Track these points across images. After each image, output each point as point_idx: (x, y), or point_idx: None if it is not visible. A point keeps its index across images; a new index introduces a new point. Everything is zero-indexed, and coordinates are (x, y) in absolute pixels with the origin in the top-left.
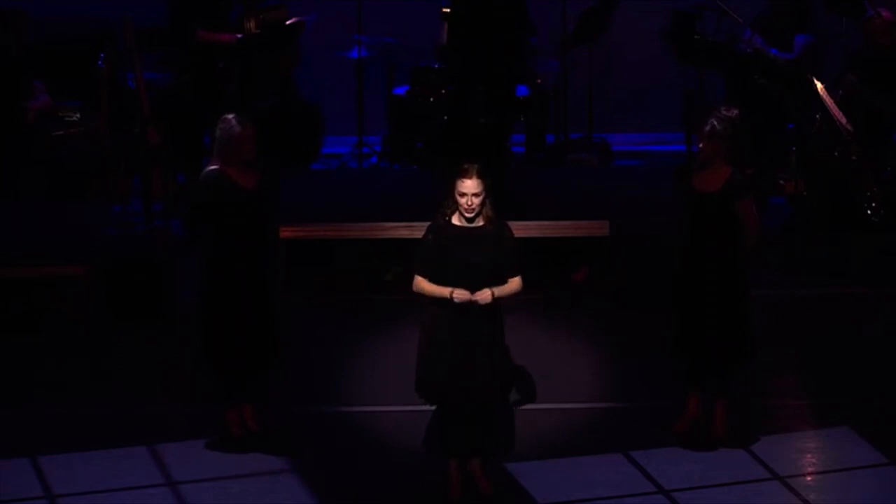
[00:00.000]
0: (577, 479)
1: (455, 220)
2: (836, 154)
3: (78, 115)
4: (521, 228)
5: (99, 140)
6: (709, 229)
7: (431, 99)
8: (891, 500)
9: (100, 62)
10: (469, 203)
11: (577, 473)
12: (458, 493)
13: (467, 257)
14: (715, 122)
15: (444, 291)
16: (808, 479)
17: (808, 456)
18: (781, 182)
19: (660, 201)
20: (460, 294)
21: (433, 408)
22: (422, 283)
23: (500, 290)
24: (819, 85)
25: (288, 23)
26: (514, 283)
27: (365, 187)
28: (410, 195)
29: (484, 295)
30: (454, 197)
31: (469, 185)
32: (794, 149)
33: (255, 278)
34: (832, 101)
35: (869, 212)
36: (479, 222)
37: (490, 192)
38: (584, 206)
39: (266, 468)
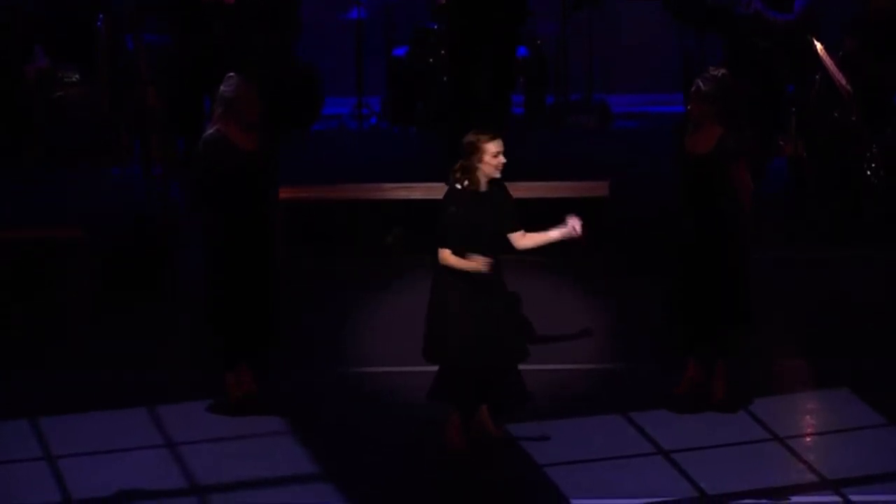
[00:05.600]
0: (577, 440)
1: (462, 187)
2: (835, 115)
3: (77, 76)
4: (520, 190)
5: (98, 102)
6: (702, 190)
7: (431, 60)
8: (890, 461)
9: (99, 23)
10: (502, 161)
11: (577, 434)
12: (462, 444)
13: (480, 221)
14: (700, 83)
15: (471, 265)
16: (808, 440)
17: (808, 417)
18: (781, 144)
19: (660, 162)
20: (486, 263)
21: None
22: (450, 259)
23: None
24: (819, 45)
25: None
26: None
27: (365, 149)
28: (410, 156)
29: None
30: (481, 160)
31: (500, 143)
32: (793, 110)
33: (257, 241)
34: (832, 62)
35: (868, 173)
36: (483, 186)
37: None
38: (583, 167)
39: (265, 430)
